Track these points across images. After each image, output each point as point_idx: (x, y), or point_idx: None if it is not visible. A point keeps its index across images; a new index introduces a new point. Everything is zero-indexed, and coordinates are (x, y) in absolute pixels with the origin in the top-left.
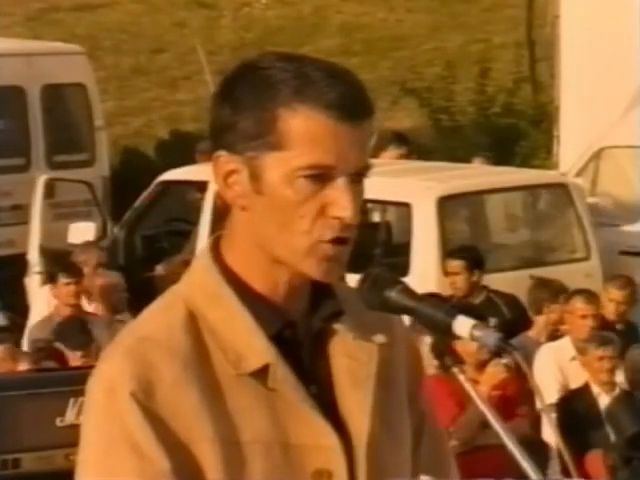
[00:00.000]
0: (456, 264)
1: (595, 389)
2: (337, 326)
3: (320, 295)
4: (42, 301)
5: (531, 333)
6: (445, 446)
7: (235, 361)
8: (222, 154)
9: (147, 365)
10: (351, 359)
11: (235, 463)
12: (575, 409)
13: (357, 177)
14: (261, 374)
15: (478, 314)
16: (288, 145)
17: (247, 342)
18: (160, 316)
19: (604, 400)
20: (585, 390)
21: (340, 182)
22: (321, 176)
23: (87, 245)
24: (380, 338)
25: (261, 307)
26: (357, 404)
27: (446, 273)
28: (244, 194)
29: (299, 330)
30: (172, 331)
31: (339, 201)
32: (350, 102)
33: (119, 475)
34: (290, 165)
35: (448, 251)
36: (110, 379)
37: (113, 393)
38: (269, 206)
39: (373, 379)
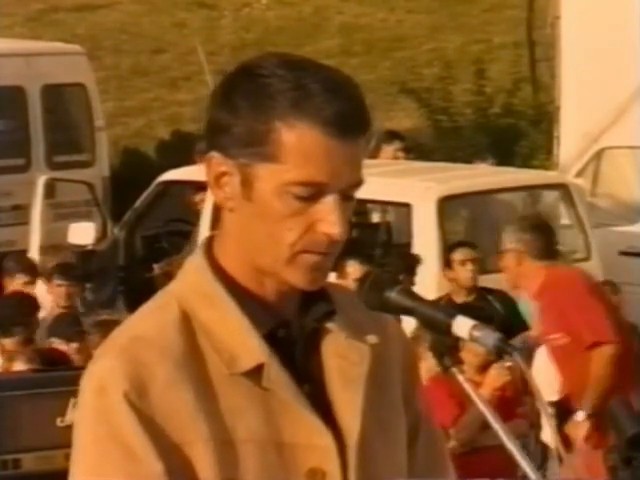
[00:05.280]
0: (466, 251)
1: None
2: (330, 326)
3: (312, 295)
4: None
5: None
6: (442, 446)
7: (229, 361)
8: (215, 155)
9: (140, 365)
10: (342, 359)
11: (229, 462)
12: None
13: (347, 193)
14: (255, 373)
15: (485, 315)
16: (282, 158)
17: (241, 342)
18: (153, 316)
19: None
20: None
21: (331, 199)
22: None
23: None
24: (372, 338)
25: (254, 306)
26: (348, 404)
27: (450, 265)
28: (234, 197)
29: (293, 329)
30: (165, 331)
31: (329, 217)
32: (347, 119)
33: (109, 477)
34: (282, 179)
35: (448, 246)
36: (102, 378)
37: (105, 393)
38: (257, 214)
39: (364, 379)
